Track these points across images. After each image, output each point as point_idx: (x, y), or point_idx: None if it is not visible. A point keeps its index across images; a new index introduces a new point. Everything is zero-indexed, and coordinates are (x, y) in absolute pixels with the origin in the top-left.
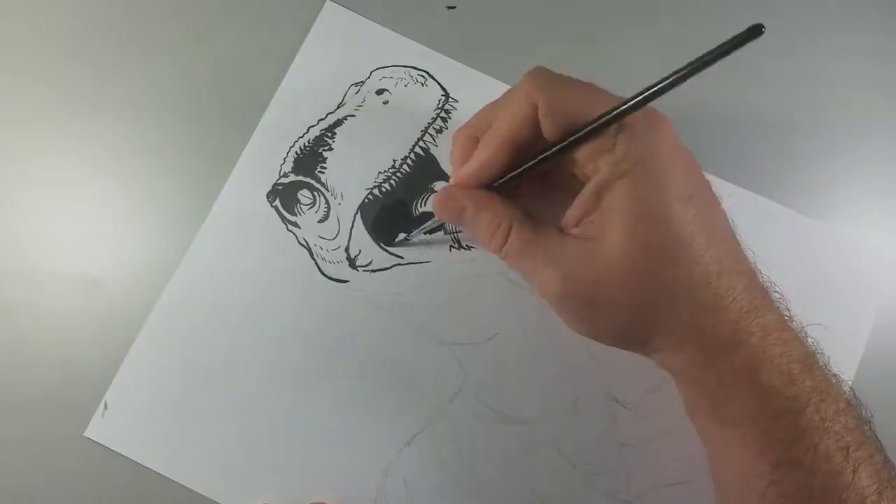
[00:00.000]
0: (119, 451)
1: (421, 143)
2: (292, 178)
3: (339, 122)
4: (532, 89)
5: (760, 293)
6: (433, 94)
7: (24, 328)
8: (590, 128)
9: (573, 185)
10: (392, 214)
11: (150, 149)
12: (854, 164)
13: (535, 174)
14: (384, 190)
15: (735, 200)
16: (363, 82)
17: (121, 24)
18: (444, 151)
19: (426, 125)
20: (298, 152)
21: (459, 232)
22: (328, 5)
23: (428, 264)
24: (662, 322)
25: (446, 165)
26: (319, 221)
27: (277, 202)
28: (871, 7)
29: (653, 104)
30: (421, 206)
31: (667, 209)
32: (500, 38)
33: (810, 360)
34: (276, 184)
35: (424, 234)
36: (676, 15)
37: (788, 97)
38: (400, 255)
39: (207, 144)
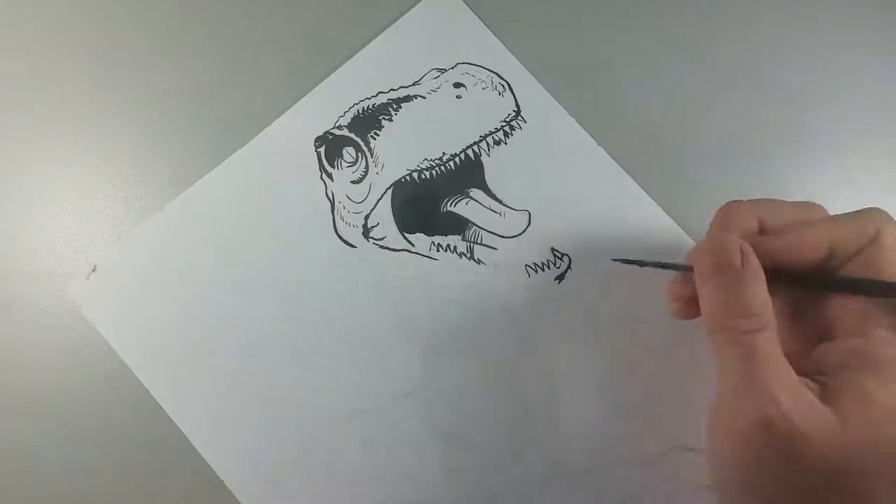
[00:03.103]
0: (90, 317)
1: (475, 148)
2: (345, 132)
3: (408, 98)
4: (883, 225)
5: None
6: (506, 106)
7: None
8: None
9: (817, 322)
10: (421, 202)
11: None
12: None
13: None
14: (423, 177)
15: None
16: (445, 70)
17: None
18: (494, 162)
19: (488, 132)
20: (360, 112)
21: (478, 243)
22: None
23: (435, 262)
24: None
25: (490, 177)
26: (353, 182)
27: (322, 149)
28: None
29: None
30: (450, 206)
31: None
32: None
33: None
34: (328, 132)
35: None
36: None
37: None
38: (412, 242)
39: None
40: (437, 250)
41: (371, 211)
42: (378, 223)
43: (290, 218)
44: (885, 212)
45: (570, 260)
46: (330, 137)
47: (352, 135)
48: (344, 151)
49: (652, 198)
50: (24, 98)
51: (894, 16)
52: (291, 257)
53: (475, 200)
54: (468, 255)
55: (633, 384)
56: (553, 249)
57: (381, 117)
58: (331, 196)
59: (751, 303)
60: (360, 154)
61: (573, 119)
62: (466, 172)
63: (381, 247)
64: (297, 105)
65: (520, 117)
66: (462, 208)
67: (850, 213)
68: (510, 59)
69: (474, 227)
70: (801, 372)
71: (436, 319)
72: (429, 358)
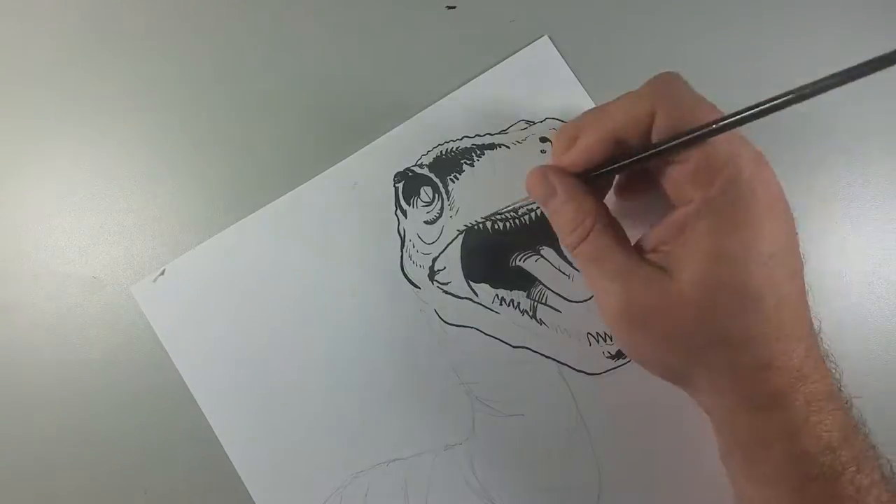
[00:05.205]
0: (151, 322)
1: None
2: (425, 172)
3: (492, 146)
4: (656, 93)
5: (813, 362)
6: None
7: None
8: (694, 135)
9: (663, 205)
10: (490, 253)
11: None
12: None
13: (632, 178)
14: (496, 227)
15: None
16: (534, 123)
17: None
18: None
19: None
20: (443, 153)
21: (542, 303)
22: (544, 39)
23: (496, 315)
24: (711, 367)
25: None
26: (426, 222)
27: (401, 185)
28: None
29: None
30: (519, 261)
31: (747, 264)
32: None
33: (850, 430)
34: (408, 168)
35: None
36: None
37: None
38: (476, 291)
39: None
40: (500, 304)
41: (440, 254)
42: (445, 267)
43: (359, 248)
44: (669, 79)
45: None
46: (409, 174)
47: (431, 175)
48: (421, 190)
49: None
50: (24, 98)
51: None
52: (353, 288)
53: (545, 259)
54: (531, 314)
55: (679, 472)
56: None
57: (462, 161)
58: (402, 233)
59: (572, 217)
60: (436, 195)
61: None
62: (540, 229)
63: (445, 291)
64: (381, 138)
65: None
66: (531, 265)
67: (632, 96)
68: None
69: (541, 285)
70: (650, 246)
71: (491, 374)
72: (477, 412)
